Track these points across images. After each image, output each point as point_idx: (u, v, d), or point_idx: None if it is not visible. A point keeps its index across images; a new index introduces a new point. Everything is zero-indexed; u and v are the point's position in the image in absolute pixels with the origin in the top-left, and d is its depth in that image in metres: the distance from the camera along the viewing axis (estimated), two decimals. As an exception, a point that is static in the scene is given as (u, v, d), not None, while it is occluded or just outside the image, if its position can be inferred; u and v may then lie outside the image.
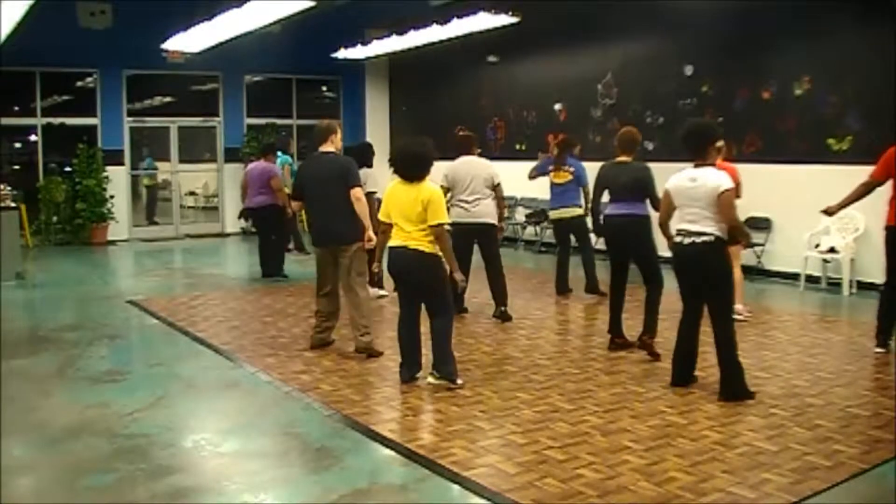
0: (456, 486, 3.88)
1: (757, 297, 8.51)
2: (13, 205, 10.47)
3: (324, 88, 17.26)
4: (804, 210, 8.50)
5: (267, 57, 14.72)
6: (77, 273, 11.05)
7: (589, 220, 7.53)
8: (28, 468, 4.23)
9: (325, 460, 4.22)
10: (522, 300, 8.32)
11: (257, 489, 3.88)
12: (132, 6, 12.93)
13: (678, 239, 5.17)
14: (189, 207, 16.37)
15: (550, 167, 8.65)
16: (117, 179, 14.27)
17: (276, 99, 16.29)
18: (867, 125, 8.52)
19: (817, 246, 8.92)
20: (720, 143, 6.12)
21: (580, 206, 8.50)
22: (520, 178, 9.21)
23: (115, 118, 14.45)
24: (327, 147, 6.34)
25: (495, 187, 7.41)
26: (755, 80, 9.66)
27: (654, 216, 6.03)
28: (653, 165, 6.28)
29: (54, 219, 13.76)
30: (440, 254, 5.30)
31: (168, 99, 15.61)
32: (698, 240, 5.02)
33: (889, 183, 6.04)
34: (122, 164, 14.50)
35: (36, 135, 14.06)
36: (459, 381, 5.36)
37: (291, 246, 11.65)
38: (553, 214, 8.76)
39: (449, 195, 7.24)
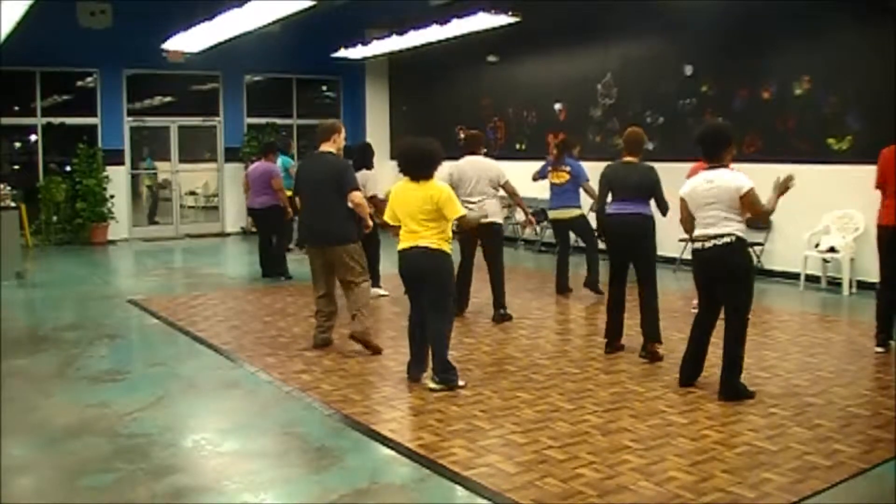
0: (456, 486, 3.88)
1: (757, 296, 8.28)
2: (13, 204, 10.46)
3: (324, 88, 17.25)
4: (804, 210, 8.52)
5: (267, 57, 14.70)
6: (77, 273, 11.05)
7: (593, 219, 7.54)
8: (28, 468, 4.22)
9: (326, 460, 4.22)
10: (522, 300, 8.32)
11: (257, 489, 3.88)
12: (132, 6, 12.93)
13: (697, 245, 5.13)
14: (189, 207, 16.36)
15: (549, 168, 8.69)
16: (117, 179, 14.26)
17: (276, 99, 16.28)
18: (867, 125, 8.52)
19: (817, 245, 8.92)
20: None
21: (579, 207, 8.55)
22: (519, 178, 9.13)
23: (116, 118, 14.44)
24: (328, 146, 6.32)
25: (504, 185, 7.44)
26: (755, 79, 9.65)
27: (658, 217, 6.09)
28: (652, 165, 6.27)
29: (54, 218, 13.75)
30: (450, 251, 5.34)
31: (168, 99, 15.60)
32: (719, 242, 4.99)
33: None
34: (122, 163, 14.49)
35: (36, 134, 14.06)
36: (461, 383, 5.36)
37: (292, 245, 11.64)
38: (552, 215, 8.79)
39: None
